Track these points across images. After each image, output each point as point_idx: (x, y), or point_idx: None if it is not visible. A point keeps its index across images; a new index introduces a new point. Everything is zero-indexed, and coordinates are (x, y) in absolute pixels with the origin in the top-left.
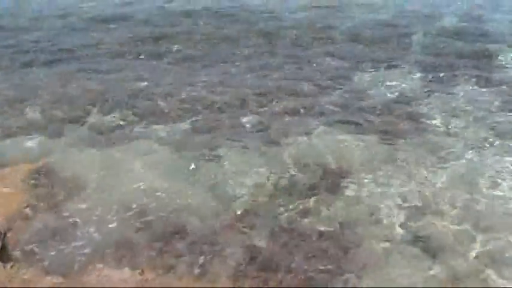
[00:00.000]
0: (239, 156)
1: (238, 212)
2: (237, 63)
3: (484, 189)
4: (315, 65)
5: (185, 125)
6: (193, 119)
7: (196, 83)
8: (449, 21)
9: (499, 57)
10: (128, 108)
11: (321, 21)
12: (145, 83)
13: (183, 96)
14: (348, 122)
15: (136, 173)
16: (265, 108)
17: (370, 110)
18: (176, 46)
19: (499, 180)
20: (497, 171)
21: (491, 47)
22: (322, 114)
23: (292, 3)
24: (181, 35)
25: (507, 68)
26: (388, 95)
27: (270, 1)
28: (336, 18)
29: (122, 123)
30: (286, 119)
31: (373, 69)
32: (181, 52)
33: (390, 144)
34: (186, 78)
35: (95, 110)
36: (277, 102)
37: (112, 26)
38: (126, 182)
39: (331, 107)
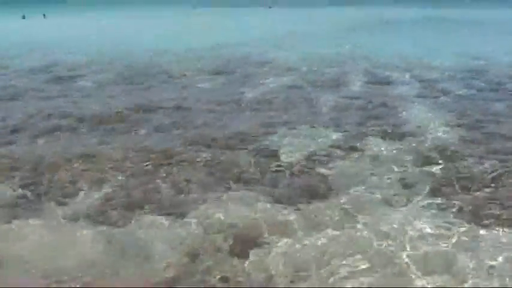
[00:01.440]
0: (154, 223)
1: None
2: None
3: (394, 248)
4: (225, 128)
5: (99, 194)
6: (108, 187)
7: (109, 149)
8: (355, 83)
9: (402, 113)
10: (39, 179)
11: (230, 88)
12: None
13: (97, 165)
14: (259, 185)
15: (49, 246)
16: (179, 173)
17: (281, 172)
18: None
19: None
20: (404, 230)
21: (394, 104)
22: (233, 177)
23: (199, 68)
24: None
25: (409, 122)
26: (299, 156)
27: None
28: (244, 85)
29: (35, 194)
30: (200, 183)
31: (282, 132)
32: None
33: (301, 207)
34: (98, 147)
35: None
36: (188, 165)
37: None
38: (39, 256)
39: (242, 170)
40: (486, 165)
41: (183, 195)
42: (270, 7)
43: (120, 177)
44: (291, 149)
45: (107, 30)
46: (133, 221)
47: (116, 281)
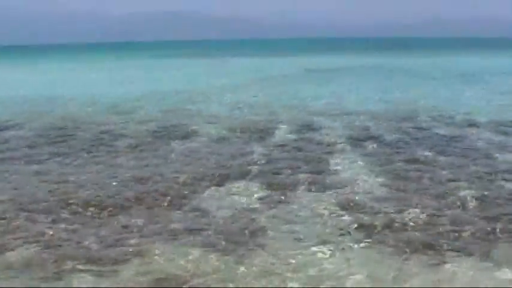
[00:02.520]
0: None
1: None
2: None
3: None
4: (153, 184)
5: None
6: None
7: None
8: (285, 131)
9: (331, 162)
10: None
11: (159, 140)
12: None
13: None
14: (191, 242)
15: None
16: (110, 230)
17: (212, 228)
18: None
19: None
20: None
21: (324, 153)
22: (163, 234)
23: (129, 119)
24: None
25: (339, 171)
26: (230, 212)
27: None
28: (173, 136)
29: None
30: (130, 241)
31: (213, 188)
32: None
33: (233, 261)
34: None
35: None
36: (118, 223)
37: None
38: None
39: (173, 227)
40: (412, 213)
41: (114, 251)
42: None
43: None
44: (220, 205)
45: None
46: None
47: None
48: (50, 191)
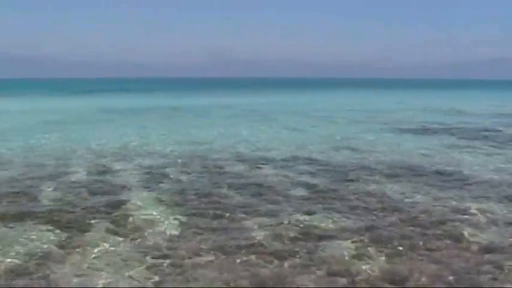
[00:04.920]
0: None
1: None
2: None
3: None
4: None
5: None
6: None
7: None
8: (77, 176)
9: (127, 204)
10: None
11: None
12: None
13: None
14: None
15: None
16: None
17: None
18: None
19: None
20: None
21: (119, 195)
22: None
23: None
24: None
25: (135, 213)
26: (19, 256)
27: None
28: None
29: None
30: None
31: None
32: None
33: None
34: None
35: None
36: None
37: None
38: None
39: None
40: (206, 250)
41: None
42: None
43: None
44: (7, 249)
45: None
46: None
47: None
48: None
